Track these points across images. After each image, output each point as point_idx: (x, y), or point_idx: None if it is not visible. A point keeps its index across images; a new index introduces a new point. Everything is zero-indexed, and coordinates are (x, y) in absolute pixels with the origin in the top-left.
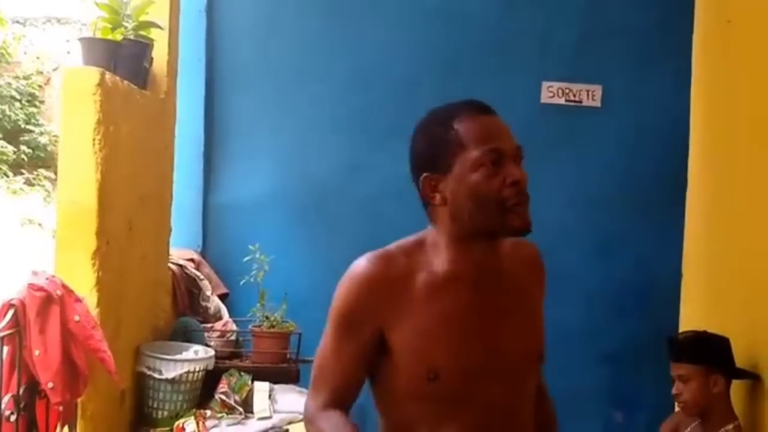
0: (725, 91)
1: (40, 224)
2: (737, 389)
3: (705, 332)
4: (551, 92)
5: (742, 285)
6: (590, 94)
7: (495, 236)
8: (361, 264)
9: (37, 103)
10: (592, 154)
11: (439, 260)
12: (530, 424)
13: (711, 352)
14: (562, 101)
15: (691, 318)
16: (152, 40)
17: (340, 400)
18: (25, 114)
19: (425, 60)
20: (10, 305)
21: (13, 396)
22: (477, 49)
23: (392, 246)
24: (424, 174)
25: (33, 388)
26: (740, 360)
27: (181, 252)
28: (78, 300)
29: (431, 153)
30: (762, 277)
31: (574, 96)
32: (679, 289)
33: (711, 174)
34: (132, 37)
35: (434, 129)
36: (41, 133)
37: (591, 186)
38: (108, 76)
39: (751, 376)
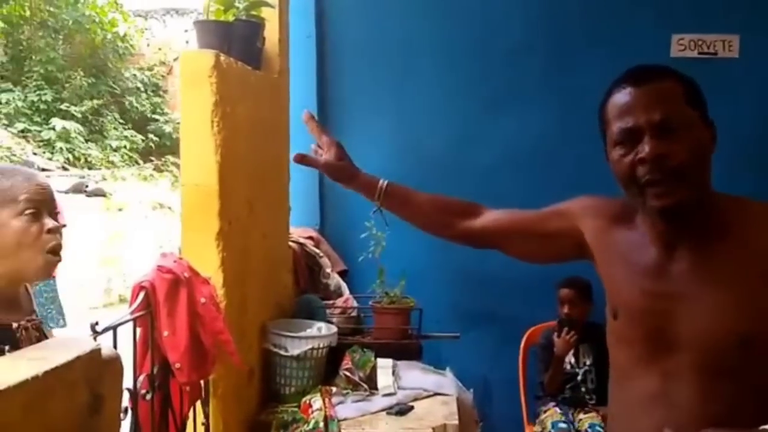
0: None
1: (170, 208)
2: None
3: None
4: (682, 45)
5: None
6: (726, 45)
7: (650, 213)
8: None
9: (161, 93)
10: (729, 110)
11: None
12: (740, 415)
13: None
14: (694, 54)
15: None
16: (263, 19)
17: None
18: (151, 104)
19: (540, 22)
20: (141, 287)
21: (147, 375)
22: (597, 5)
23: None
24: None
25: (166, 368)
26: None
27: (300, 230)
28: (204, 282)
29: (600, 128)
30: None
31: (708, 48)
32: None
33: None
34: (244, 17)
35: (601, 103)
36: (166, 122)
37: (727, 145)
38: (223, 58)
39: None
